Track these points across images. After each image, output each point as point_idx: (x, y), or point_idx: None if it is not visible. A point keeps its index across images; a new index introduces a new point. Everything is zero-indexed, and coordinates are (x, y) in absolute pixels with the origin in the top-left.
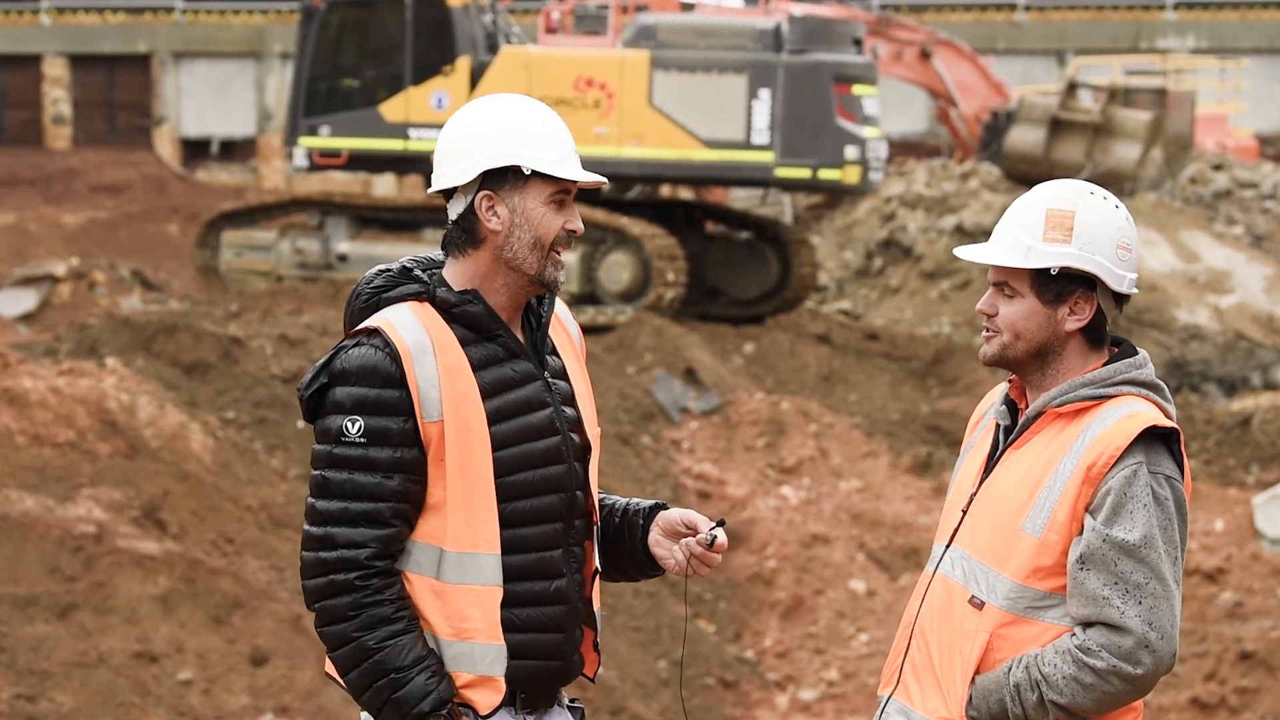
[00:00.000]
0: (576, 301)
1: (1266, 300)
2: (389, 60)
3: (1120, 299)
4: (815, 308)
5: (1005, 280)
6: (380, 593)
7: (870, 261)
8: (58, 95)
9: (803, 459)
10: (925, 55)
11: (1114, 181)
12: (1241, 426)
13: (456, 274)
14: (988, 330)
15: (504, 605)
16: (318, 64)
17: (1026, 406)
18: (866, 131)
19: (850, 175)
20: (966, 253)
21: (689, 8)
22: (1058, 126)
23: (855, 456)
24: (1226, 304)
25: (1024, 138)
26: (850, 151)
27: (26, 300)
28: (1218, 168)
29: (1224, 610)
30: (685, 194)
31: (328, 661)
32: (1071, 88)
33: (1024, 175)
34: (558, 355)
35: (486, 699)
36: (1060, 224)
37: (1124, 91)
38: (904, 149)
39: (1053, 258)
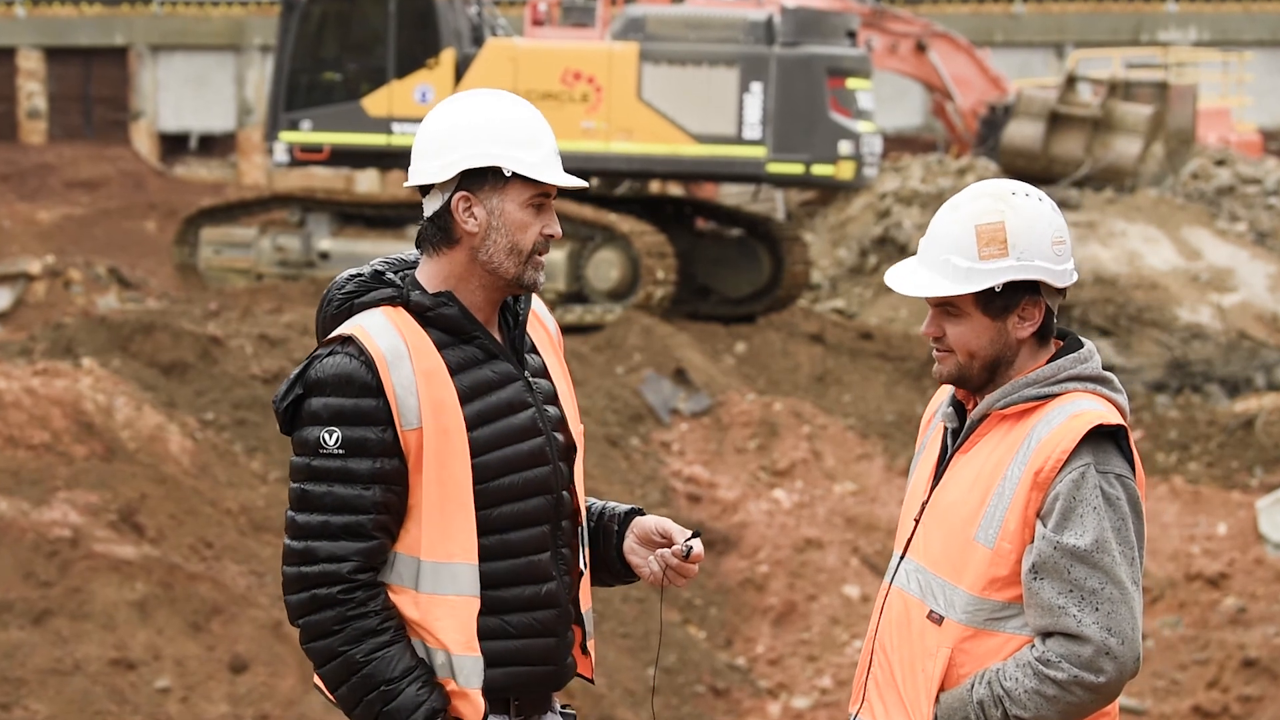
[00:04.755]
0: (564, 300)
1: (1270, 299)
2: (371, 53)
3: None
4: (808, 306)
5: (948, 303)
6: (364, 605)
7: (864, 259)
8: (32, 88)
9: (795, 461)
10: (921, 48)
11: (1114, 177)
12: (1245, 428)
13: (430, 274)
14: (938, 350)
15: (495, 612)
16: (299, 57)
17: (974, 407)
18: (861, 126)
19: (844, 171)
20: (901, 286)
21: None
22: (1056, 121)
23: (849, 459)
24: (1229, 303)
25: (1022, 132)
26: (844, 146)
27: (0, 299)
28: (1220, 163)
29: (1227, 616)
30: (675, 190)
31: (316, 675)
32: (1070, 81)
33: (1022, 171)
34: (537, 353)
35: (469, 711)
36: (993, 238)
37: (1124, 85)
38: (899, 144)
39: (994, 275)
